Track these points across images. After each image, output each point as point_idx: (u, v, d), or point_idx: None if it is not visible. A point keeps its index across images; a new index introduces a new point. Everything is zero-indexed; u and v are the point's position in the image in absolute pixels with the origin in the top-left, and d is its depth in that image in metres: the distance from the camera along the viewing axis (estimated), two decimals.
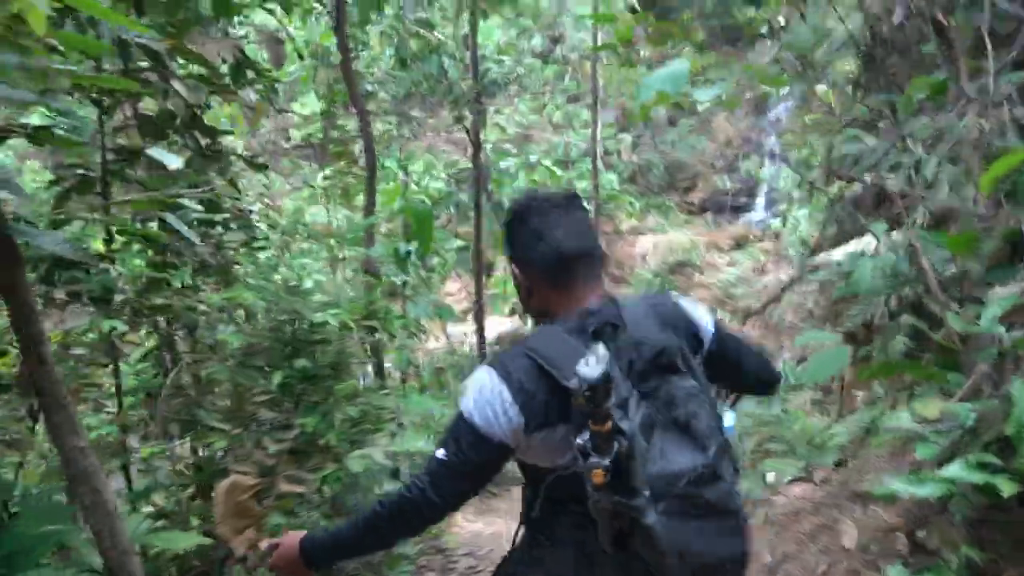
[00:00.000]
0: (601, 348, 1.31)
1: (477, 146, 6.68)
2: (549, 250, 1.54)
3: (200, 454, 3.14)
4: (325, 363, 3.32)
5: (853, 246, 4.10)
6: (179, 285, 2.73)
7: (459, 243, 8.78)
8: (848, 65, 6.12)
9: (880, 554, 2.41)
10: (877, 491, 2.46)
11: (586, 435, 1.29)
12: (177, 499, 2.92)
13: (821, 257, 4.86)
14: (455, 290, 13.28)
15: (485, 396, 1.45)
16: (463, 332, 11.43)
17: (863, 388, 4.89)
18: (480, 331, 7.47)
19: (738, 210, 15.86)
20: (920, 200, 3.32)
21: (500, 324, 11.65)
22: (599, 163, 10.50)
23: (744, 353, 1.76)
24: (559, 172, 8.80)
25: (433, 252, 7.80)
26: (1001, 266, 2.78)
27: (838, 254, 4.20)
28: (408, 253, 7.40)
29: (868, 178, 4.03)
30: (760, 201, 15.84)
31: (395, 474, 4.54)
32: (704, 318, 1.67)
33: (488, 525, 4.53)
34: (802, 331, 8.86)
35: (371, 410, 3.47)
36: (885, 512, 2.58)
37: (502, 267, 11.20)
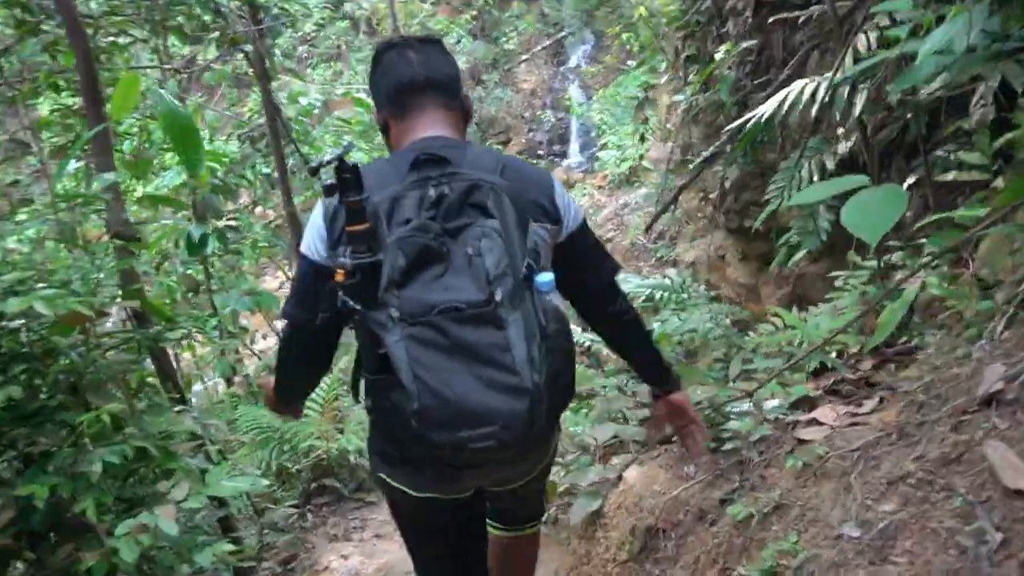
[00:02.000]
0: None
1: (266, 82, 5.17)
2: (392, 80, 1.55)
3: None
4: (49, 385, 1.87)
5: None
6: None
7: (261, 225, 7.11)
8: None
9: None
10: None
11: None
12: None
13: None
14: (275, 286, 11.63)
15: (310, 228, 1.49)
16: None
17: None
18: None
19: (554, 157, 15.52)
20: None
21: None
22: None
23: (595, 256, 1.63)
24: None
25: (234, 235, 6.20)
26: None
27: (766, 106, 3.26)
28: (204, 237, 5.81)
29: None
30: (574, 146, 15.56)
31: (226, 523, 3.11)
32: (573, 206, 1.57)
33: (368, 558, 3.26)
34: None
35: (155, 443, 2.08)
36: None
37: None
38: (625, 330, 1.69)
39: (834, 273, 2.93)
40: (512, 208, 1.39)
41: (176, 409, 2.59)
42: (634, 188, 9.83)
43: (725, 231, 5.21)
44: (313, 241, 1.46)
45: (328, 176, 1.37)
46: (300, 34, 11.61)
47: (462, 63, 13.71)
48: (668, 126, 6.11)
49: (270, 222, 7.91)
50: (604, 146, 12.18)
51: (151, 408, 2.43)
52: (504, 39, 14.96)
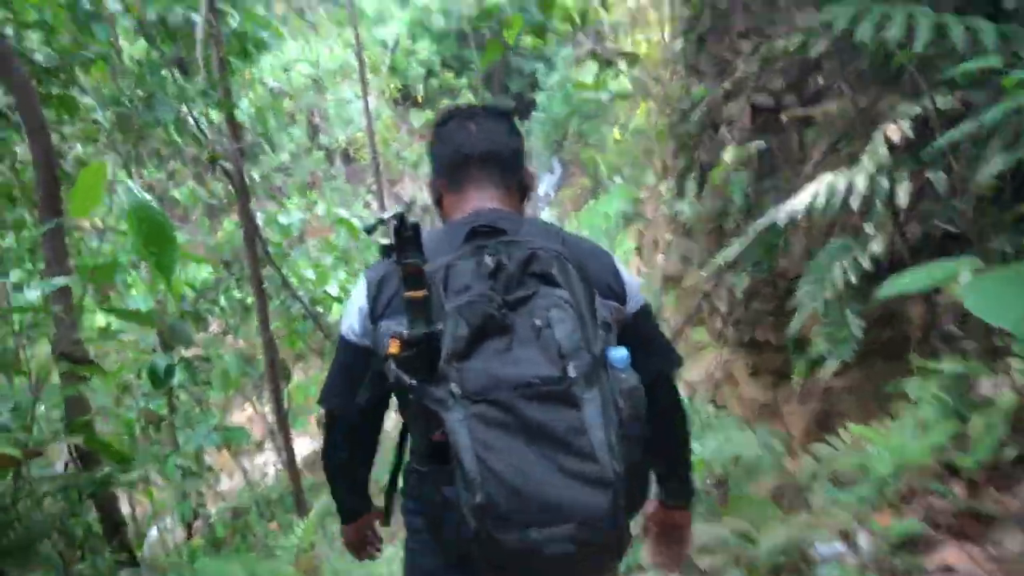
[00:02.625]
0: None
1: (246, 199, 4.83)
2: (448, 150, 1.47)
3: None
4: None
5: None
6: None
7: (231, 354, 6.63)
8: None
9: None
10: None
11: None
12: None
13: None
14: (244, 420, 10.92)
15: (349, 307, 1.39)
16: (264, 463, 9.10)
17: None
18: (289, 453, 5.40)
19: None
20: None
21: (308, 444, 9.44)
22: None
23: (657, 343, 1.45)
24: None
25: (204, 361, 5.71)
26: None
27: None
28: (170, 368, 5.29)
29: None
30: None
31: None
32: (636, 286, 1.42)
33: None
34: None
35: None
36: None
37: (302, 370, 9.06)
38: (671, 427, 1.50)
39: (903, 380, 2.55)
40: (579, 278, 1.24)
41: None
42: None
43: (733, 345, 4.85)
44: (352, 322, 1.36)
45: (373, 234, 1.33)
46: (275, 164, 11.56)
47: None
48: (664, 238, 5.88)
49: (239, 353, 7.39)
50: None
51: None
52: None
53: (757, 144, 3.92)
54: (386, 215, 1.28)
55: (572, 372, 1.13)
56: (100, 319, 6.27)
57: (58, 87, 4.09)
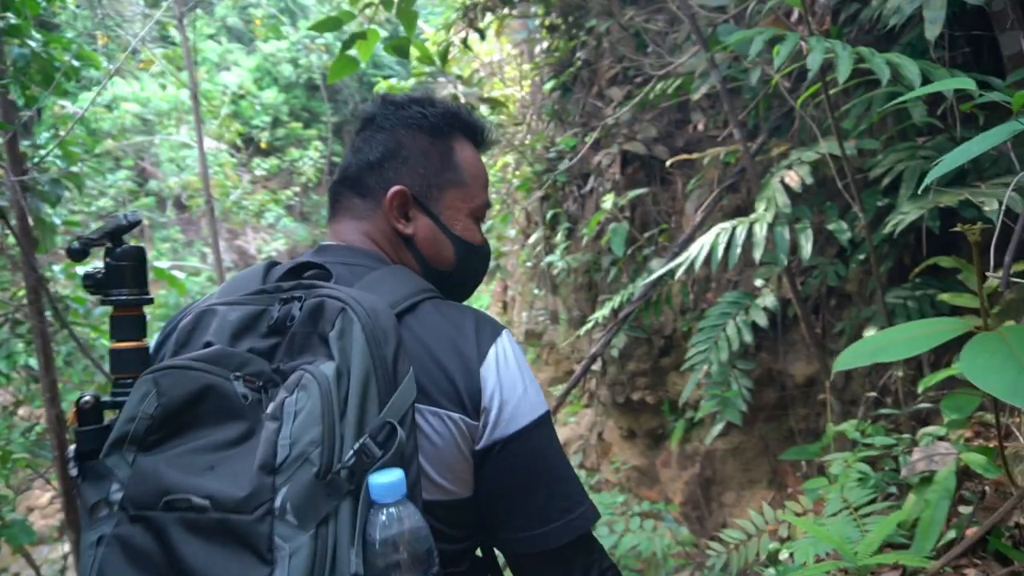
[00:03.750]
0: None
1: (30, 247, 3.86)
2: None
3: None
4: None
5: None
6: None
7: (20, 431, 5.44)
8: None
9: None
10: None
11: None
12: None
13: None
14: (44, 501, 9.23)
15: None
16: (63, 555, 7.60)
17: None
18: (77, 548, 4.32)
19: None
20: None
21: None
22: None
23: (547, 492, 0.89)
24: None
25: None
26: None
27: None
28: None
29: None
30: None
31: None
32: (516, 395, 0.89)
33: None
34: None
35: None
36: None
37: None
38: None
39: (828, 457, 2.19)
40: (370, 351, 0.79)
41: None
42: None
43: (606, 406, 4.46)
44: None
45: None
46: (94, 209, 10.13)
47: (280, 244, 12.77)
48: (527, 292, 5.48)
49: (33, 426, 6.10)
50: None
51: None
52: (323, 222, 14.28)
53: (635, 193, 3.60)
54: (98, 230, 0.91)
55: (279, 498, 0.70)
56: None
57: None
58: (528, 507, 0.88)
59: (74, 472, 0.80)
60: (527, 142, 5.20)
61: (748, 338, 2.82)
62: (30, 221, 3.91)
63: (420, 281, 0.94)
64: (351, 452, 0.73)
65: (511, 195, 5.72)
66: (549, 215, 4.58)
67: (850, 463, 2.13)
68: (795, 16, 2.62)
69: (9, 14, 4.52)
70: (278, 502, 0.70)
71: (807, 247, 2.43)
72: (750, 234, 2.50)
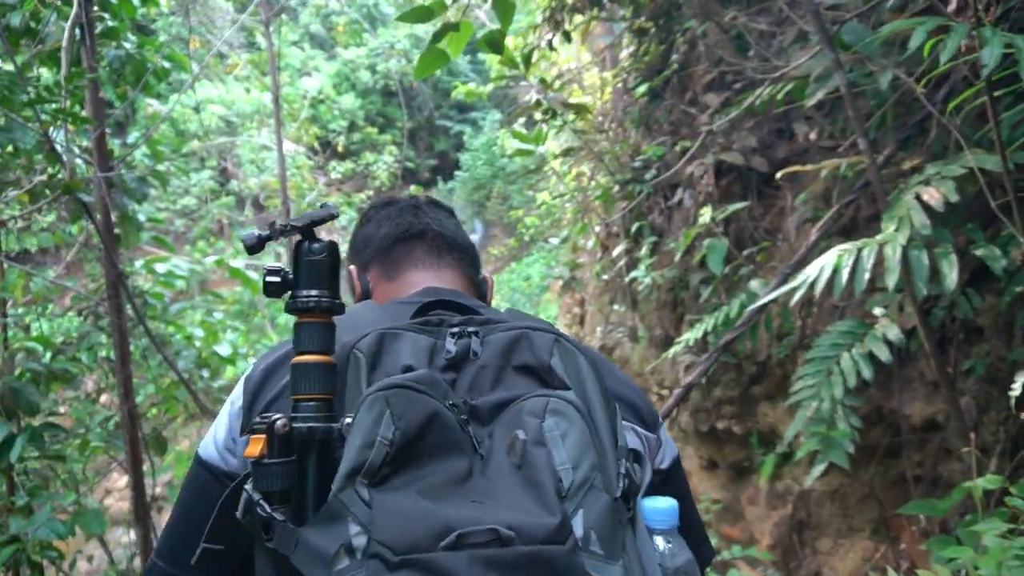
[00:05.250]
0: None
1: (112, 243, 3.80)
2: (386, 230, 1.04)
3: None
4: None
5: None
6: None
7: (104, 413, 5.49)
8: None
9: None
10: None
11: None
12: None
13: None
14: (121, 484, 9.43)
15: (220, 415, 0.85)
16: (133, 541, 7.69)
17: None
18: (144, 540, 4.24)
19: None
20: None
21: None
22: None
23: (690, 523, 0.86)
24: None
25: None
26: None
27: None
28: (11, 438, 4.18)
29: None
30: None
31: None
32: (664, 431, 0.91)
33: None
34: None
35: None
36: None
37: (184, 438, 7.80)
38: None
39: (982, 527, 1.81)
40: (594, 377, 0.72)
41: None
42: None
43: (687, 433, 4.13)
44: (217, 431, 0.82)
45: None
46: (179, 207, 10.35)
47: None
48: (602, 307, 5.18)
49: (110, 416, 6.17)
50: None
51: None
52: None
53: (735, 207, 3.28)
54: (281, 223, 0.72)
55: (579, 526, 0.62)
56: None
57: None
58: (690, 527, 0.85)
59: (278, 516, 0.64)
60: (608, 150, 4.92)
61: (867, 373, 2.46)
62: (113, 217, 3.86)
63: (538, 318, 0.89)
64: (622, 476, 0.68)
65: (588, 205, 5.45)
66: (633, 227, 4.28)
67: (1009, 536, 1.77)
68: (952, 6, 2.27)
69: (107, 15, 4.55)
70: (579, 529, 0.62)
71: (951, 275, 2.08)
72: (879, 257, 2.16)
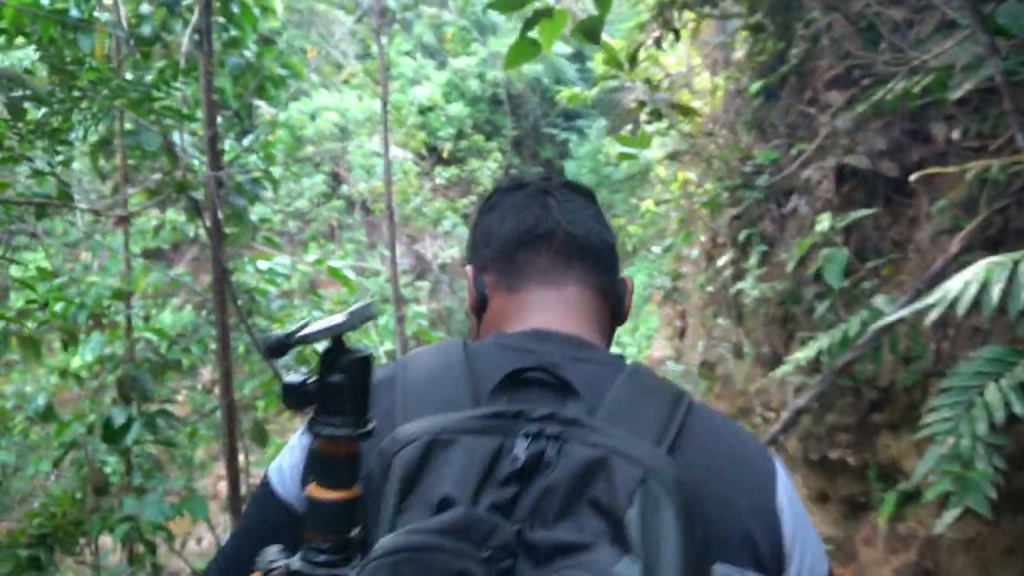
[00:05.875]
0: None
1: (219, 238, 3.90)
2: (508, 227, 0.87)
3: None
4: None
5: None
6: None
7: (215, 404, 5.73)
8: None
9: None
10: None
11: None
12: None
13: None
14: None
15: (289, 444, 0.80)
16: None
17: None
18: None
19: None
20: None
21: None
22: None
23: None
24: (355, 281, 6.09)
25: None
26: None
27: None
28: (129, 420, 4.41)
29: None
30: None
31: None
32: (812, 539, 0.73)
33: None
34: None
35: None
36: None
37: (289, 432, 8.05)
38: None
39: None
40: (690, 542, 0.58)
41: None
42: None
43: (794, 461, 3.78)
44: (282, 460, 0.78)
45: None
46: (292, 209, 10.78)
47: (454, 251, 12.96)
48: (706, 319, 4.89)
49: (216, 408, 6.45)
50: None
51: None
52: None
53: (858, 215, 2.94)
54: (315, 327, 0.62)
55: None
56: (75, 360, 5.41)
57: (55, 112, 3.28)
58: None
59: None
60: (717, 154, 4.63)
61: (1019, 408, 2.11)
62: (221, 215, 3.97)
63: (662, 380, 0.75)
64: None
65: (694, 213, 5.16)
66: (742, 236, 3.98)
67: None
68: None
69: (231, 26, 4.74)
70: None
71: None
72: None
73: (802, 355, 2.91)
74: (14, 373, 7.46)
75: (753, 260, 3.77)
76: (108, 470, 5.13)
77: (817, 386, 2.61)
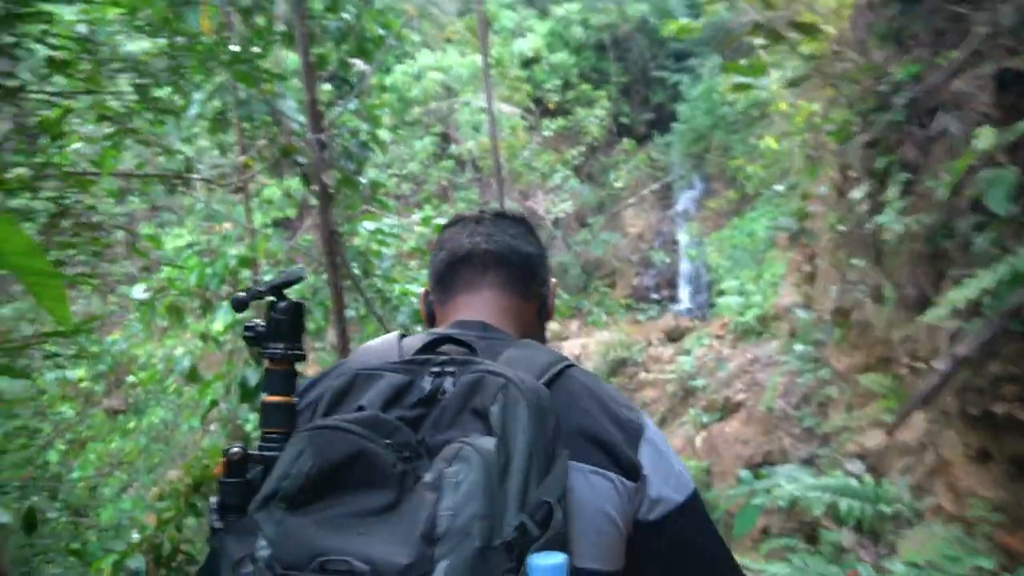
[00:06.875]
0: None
1: (327, 202, 3.90)
2: (444, 254, 1.11)
3: None
4: None
5: None
6: None
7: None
8: None
9: None
10: None
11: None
12: None
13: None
14: None
15: None
16: None
17: None
18: None
19: (662, 302, 14.11)
20: None
21: None
22: None
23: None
24: None
25: None
26: None
27: None
28: (260, 383, 4.56)
29: None
30: (684, 291, 14.21)
31: None
32: (676, 469, 0.92)
33: None
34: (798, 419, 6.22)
35: None
36: None
37: None
38: None
39: None
40: (535, 424, 0.78)
41: None
42: (764, 340, 7.95)
43: (948, 415, 3.33)
44: None
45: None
46: (405, 171, 10.88)
47: (567, 206, 12.67)
48: (839, 262, 4.41)
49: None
50: (721, 292, 10.46)
51: None
52: (614, 179, 13.85)
53: None
54: (265, 283, 0.89)
55: (440, 570, 0.67)
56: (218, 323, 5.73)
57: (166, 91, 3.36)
58: None
59: (218, 524, 0.81)
60: (845, 76, 4.09)
61: None
62: (325, 179, 3.97)
63: (550, 350, 0.94)
64: (512, 529, 0.71)
65: (822, 145, 4.64)
66: (879, 165, 3.50)
67: None
68: None
69: None
70: (437, 574, 0.69)
71: None
72: None
73: (959, 296, 2.50)
74: (168, 339, 8.06)
75: (893, 191, 3.29)
76: (248, 427, 5.38)
77: (980, 331, 2.21)
